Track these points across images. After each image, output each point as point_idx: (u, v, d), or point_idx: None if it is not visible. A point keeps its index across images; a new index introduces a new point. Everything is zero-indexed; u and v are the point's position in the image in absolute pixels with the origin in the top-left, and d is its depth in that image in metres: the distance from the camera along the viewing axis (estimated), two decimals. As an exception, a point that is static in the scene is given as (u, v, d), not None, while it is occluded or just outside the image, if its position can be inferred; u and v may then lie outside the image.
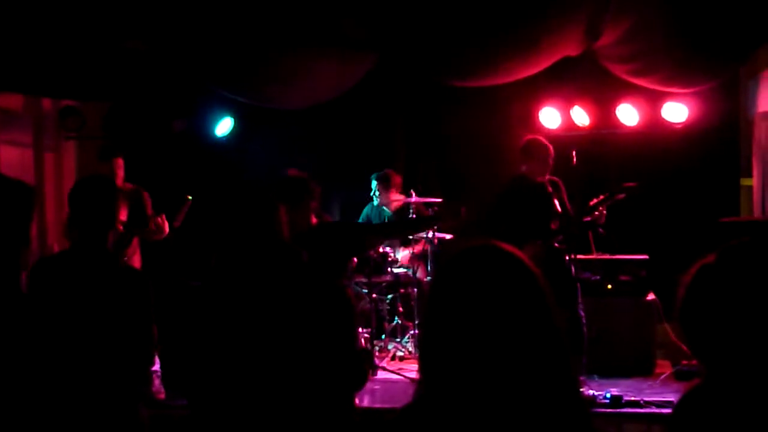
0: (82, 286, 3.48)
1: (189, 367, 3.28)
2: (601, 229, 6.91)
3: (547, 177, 6.91)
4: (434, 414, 1.80)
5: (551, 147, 6.84)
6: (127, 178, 7.21)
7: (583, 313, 6.62)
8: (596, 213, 6.62)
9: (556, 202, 6.78)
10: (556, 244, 6.68)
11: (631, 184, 6.75)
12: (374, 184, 8.24)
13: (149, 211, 6.95)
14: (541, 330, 1.82)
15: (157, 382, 7.01)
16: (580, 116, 8.23)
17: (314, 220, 6.91)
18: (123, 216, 6.86)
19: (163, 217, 6.76)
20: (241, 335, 3.12)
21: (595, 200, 6.75)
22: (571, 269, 6.64)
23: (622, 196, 6.67)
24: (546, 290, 1.89)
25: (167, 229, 6.84)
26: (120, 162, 6.98)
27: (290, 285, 3.21)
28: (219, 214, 3.52)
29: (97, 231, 3.59)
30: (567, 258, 6.58)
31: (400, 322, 8.17)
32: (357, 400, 6.46)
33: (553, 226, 6.70)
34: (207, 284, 3.34)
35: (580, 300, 6.63)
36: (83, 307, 3.42)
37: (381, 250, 7.88)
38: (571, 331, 6.49)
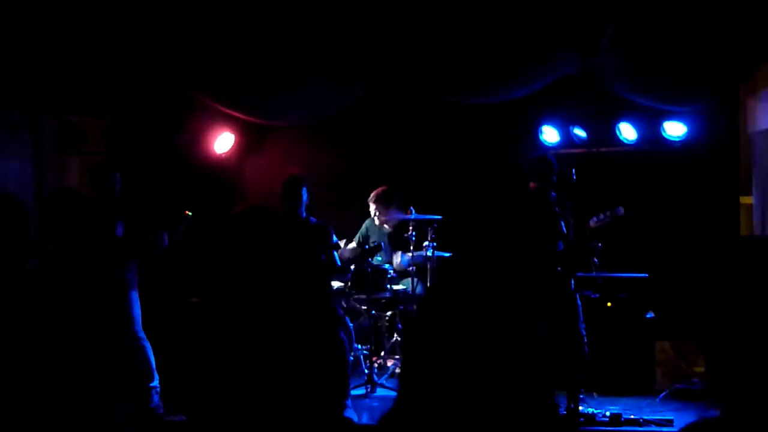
0: (56, 299, 3.47)
1: (189, 383, 3.28)
2: (596, 259, 6.91)
3: (554, 195, 6.86)
4: (411, 421, 1.81)
5: (557, 165, 6.82)
6: (127, 192, 7.21)
7: (584, 333, 6.60)
8: (592, 244, 6.58)
9: (562, 222, 6.72)
10: (558, 267, 6.64)
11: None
12: (372, 207, 8.23)
13: (146, 225, 6.94)
14: (519, 341, 1.83)
15: (156, 398, 7.01)
16: (580, 134, 8.24)
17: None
18: (120, 231, 6.88)
19: (162, 231, 6.77)
20: (242, 351, 3.12)
21: (595, 218, 6.74)
22: (573, 290, 6.62)
23: (621, 211, 6.65)
24: (529, 304, 1.89)
25: (166, 243, 6.84)
26: (117, 176, 6.98)
27: (287, 301, 3.21)
28: (221, 229, 3.53)
29: (71, 244, 3.58)
30: (570, 279, 6.56)
31: (399, 338, 8.16)
32: (356, 418, 6.49)
33: (558, 248, 6.66)
34: (206, 300, 3.35)
35: (581, 319, 6.62)
36: (57, 319, 3.41)
37: (381, 266, 7.88)
38: (573, 349, 6.48)
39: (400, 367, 2.00)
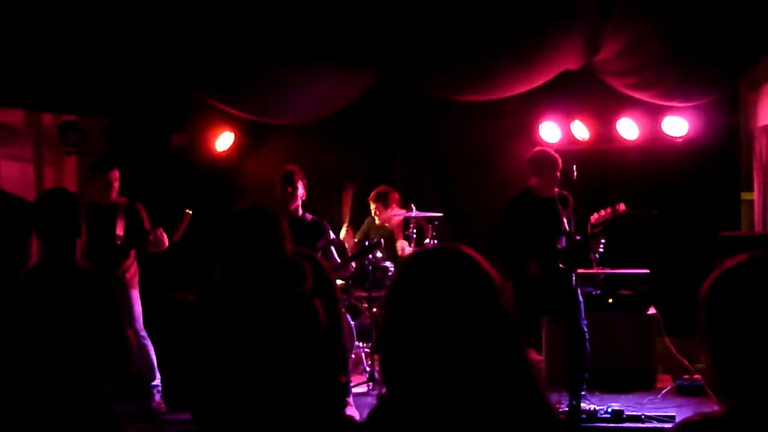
0: (51, 297, 3.46)
1: (191, 382, 3.28)
2: (595, 255, 6.89)
3: (557, 191, 6.82)
4: (397, 416, 1.81)
5: (560, 159, 6.78)
6: (128, 192, 7.20)
7: (586, 329, 6.59)
8: (594, 242, 6.55)
9: (565, 220, 6.69)
10: (561, 264, 6.62)
11: (644, 211, 6.74)
12: (373, 206, 8.22)
13: (146, 223, 6.93)
14: (497, 332, 1.83)
15: (158, 396, 7.00)
16: (581, 130, 8.22)
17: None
18: (119, 229, 6.87)
19: (161, 230, 6.76)
20: (243, 349, 3.12)
21: (596, 215, 6.72)
22: (575, 287, 6.60)
23: (622, 207, 6.63)
24: (503, 295, 1.88)
25: (166, 242, 6.83)
26: (116, 174, 6.98)
27: (291, 300, 3.21)
28: (222, 229, 3.53)
29: (63, 242, 3.58)
30: (572, 275, 6.54)
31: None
32: (357, 416, 6.49)
33: (559, 246, 6.63)
34: (208, 299, 3.34)
35: (582, 316, 6.60)
36: (53, 318, 3.40)
37: (381, 264, 7.87)
38: (574, 346, 6.47)
39: (380, 361, 1.99)
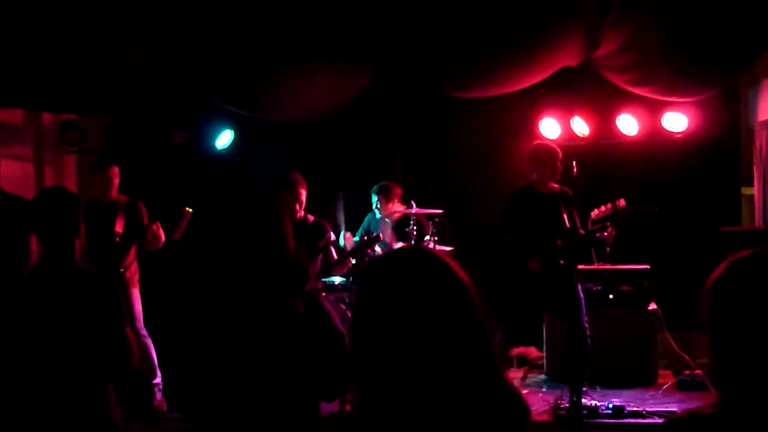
0: (49, 297, 3.46)
1: (190, 379, 3.27)
2: (608, 248, 6.86)
3: (558, 187, 6.82)
4: (370, 419, 1.81)
5: (560, 152, 6.78)
6: (128, 190, 7.20)
7: (587, 326, 6.59)
8: (605, 233, 6.52)
9: (565, 216, 6.68)
10: (562, 261, 6.61)
11: (645, 207, 6.72)
12: (374, 197, 8.22)
13: (146, 221, 6.93)
14: (464, 331, 1.83)
15: (159, 395, 7.00)
16: (580, 126, 8.22)
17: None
18: (119, 227, 6.87)
19: (159, 225, 6.75)
20: (243, 346, 3.12)
21: (596, 210, 6.72)
22: (576, 283, 6.60)
23: (622, 203, 6.63)
24: (472, 294, 1.89)
25: (163, 238, 6.82)
26: (116, 171, 6.98)
27: (291, 298, 3.21)
28: (225, 226, 3.53)
29: (61, 242, 3.58)
30: (573, 272, 6.54)
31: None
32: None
33: (559, 242, 6.62)
34: (209, 296, 3.34)
35: (584, 312, 6.60)
36: (51, 317, 3.40)
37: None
38: (575, 342, 6.47)
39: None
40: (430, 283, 1.85)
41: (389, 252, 2.01)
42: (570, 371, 6.36)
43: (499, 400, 1.83)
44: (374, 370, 1.82)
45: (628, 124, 8.14)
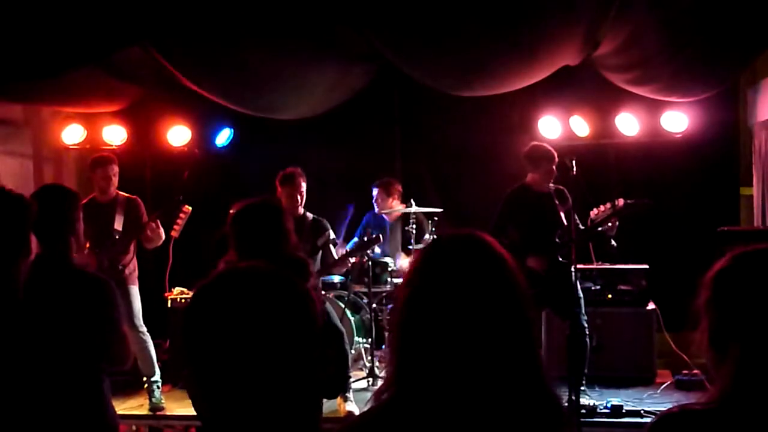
0: (44, 294, 3.46)
1: (189, 377, 3.27)
2: (613, 241, 6.86)
3: (553, 186, 6.84)
4: (410, 411, 1.77)
5: (556, 155, 6.80)
6: (127, 187, 7.21)
7: (586, 324, 6.60)
8: (608, 224, 6.53)
9: (562, 214, 6.70)
10: (560, 258, 6.62)
11: (639, 201, 6.71)
12: (374, 191, 8.23)
13: (144, 218, 6.94)
14: (514, 324, 1.79)
15: (158, 392, 7.01)
16: (580, 126, 8.22)
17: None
18: (118, 224, 6.88)
19: (158, 223, 6.76)
20: (244, 345, 3.12)
21: (595, 210, 6.73)
22: (575, 281, 6.61)
23: (621, 203, 6.63)
24: (521, 283, 1.85)
25: (163, 236, 6.83)
26: (114, 169, 6.98)
27: (292, 295, 3.21)
28: (230, 221, 3.53)
29: (57, 239, 3.58)
30: (572, 270, 6.55)
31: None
32: (357, 411, 6.49)
33: (557, 239, 6.64)
34: (208, 293, 3.33)
35: (583, 311, 6.61)
36: (46, 314, 3.40)
37: (382, 259, 7.88)
38: (574, 341, 6.48)
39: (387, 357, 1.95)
40: (491, 274, 1.81)
41: (443, 238, 1.95)
42: (568, 370, 6.36)
43: (539, 400, 1.81)
44: (421, 357, 1.78)
45: (627, 123, 8.14)
